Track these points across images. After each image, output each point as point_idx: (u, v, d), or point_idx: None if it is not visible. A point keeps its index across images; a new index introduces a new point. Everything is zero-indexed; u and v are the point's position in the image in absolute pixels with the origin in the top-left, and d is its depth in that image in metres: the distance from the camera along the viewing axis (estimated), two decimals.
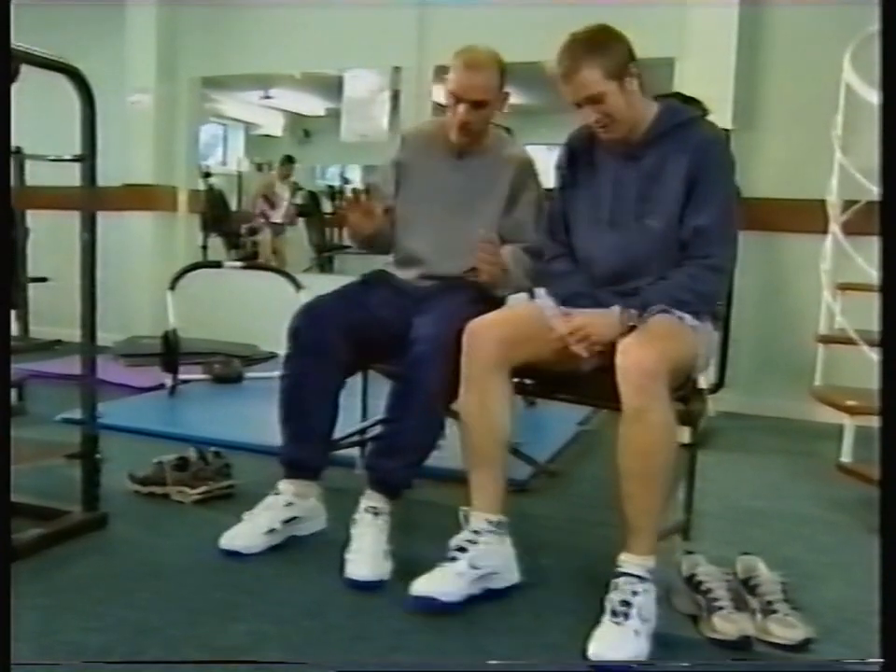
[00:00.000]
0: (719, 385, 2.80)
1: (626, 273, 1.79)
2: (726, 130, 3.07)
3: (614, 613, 1.50)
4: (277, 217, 6.09)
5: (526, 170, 2.14)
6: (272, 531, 1.89)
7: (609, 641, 1.47)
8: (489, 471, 1.72)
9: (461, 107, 2.02)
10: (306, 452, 1.98)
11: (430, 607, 1.59)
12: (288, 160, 6.07)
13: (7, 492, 1.37)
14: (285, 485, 1.96)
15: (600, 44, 1.71)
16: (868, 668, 1.42)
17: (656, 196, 1.76)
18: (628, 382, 1.52)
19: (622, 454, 1.58)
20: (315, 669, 1.43)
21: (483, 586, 1.65)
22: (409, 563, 1.75)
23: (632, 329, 1.64)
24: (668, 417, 1.55)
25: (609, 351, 1.61)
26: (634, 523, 1.57)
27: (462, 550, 1.65)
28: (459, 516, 1.72)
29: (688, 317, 1.68)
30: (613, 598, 1.52)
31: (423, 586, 1.61)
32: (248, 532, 1.88)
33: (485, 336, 1.70)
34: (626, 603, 1.50)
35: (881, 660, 1.00)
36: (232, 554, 1.85)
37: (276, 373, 2.15)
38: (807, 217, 3.36)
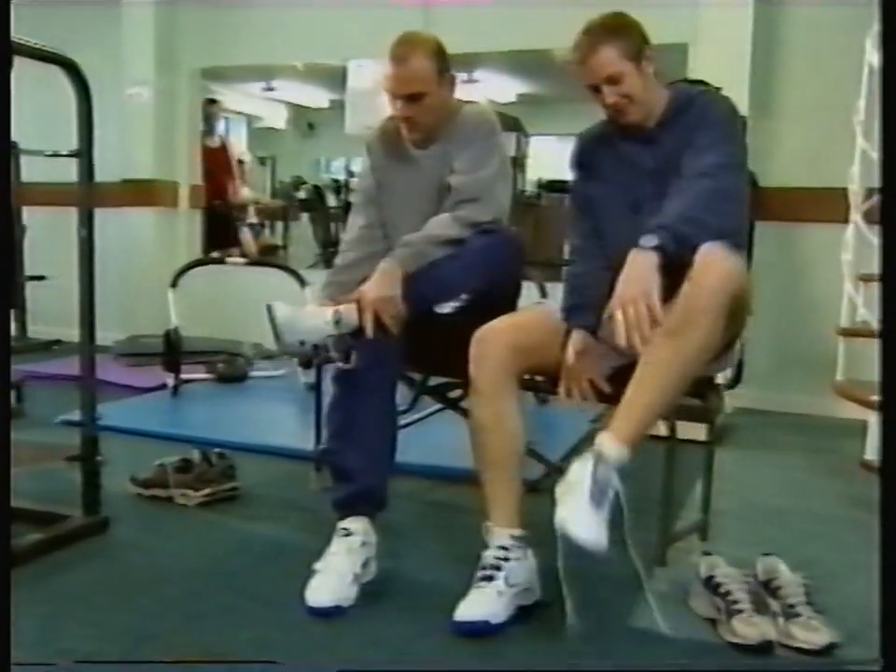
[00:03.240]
0: (736, 381, 2.77)
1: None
2: (742, 117, 3.06)
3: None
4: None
5: (473, 128, 2.05)
6: (356, 577, 1.72)
7: None
8: (506, 482, 1.70)
9: (398, 104, 1.99)
10: (374, 482, 1.83)
11: (483, 630, 1.56)
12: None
13: (8, 494, 1.37)
14: (354, 524, 1.79)
15: (617, 27, 1.75)
16: (868, 668, 1.41)
17: (675, 169, 1.77)
18: (705, 279, 1.51)
19: (655, 346, 1.52)
20: (316, 669, 1.43)
21: (516, 604, 1.64)
22: (420, 567, 1.74)
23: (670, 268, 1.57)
24: (710, 341, 1.53)
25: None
26: (627, 405, 1.55)
27: (497, 568, 1.63)
28: (482, 531, 1.69)
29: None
30: None
31: (471, 610, 1.58)
32: (335, 584, 1.68)
33: (495, 342, 1.70)
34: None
35: (881, 660, 1.00)
36: (327, 613, 1.64)
37: (281, 372, 2.13)
38: (828, 205, 3.33)
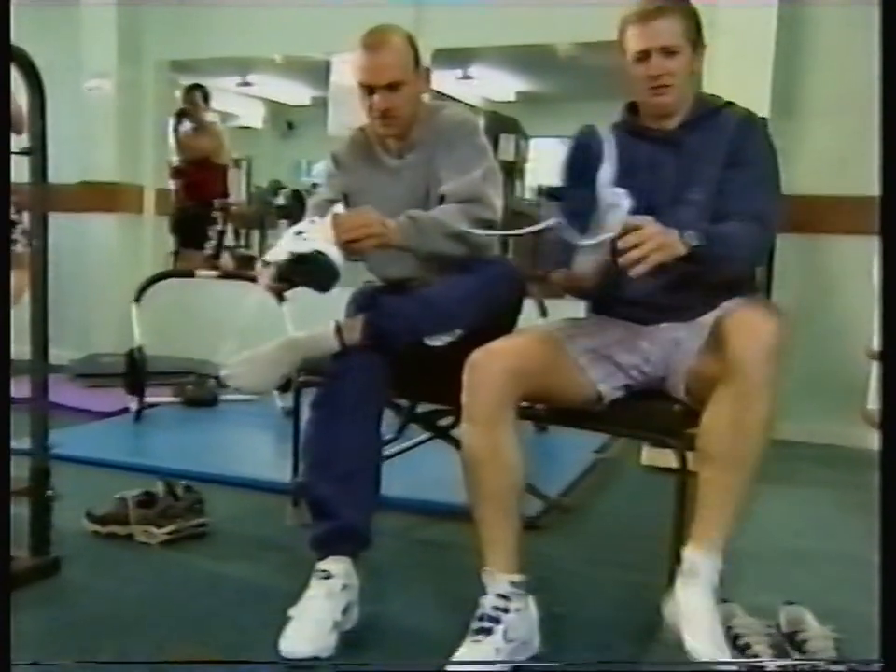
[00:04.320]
0: None
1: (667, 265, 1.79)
2: (763, 118, 3.08)
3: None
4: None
5: (456, 132, 2.09)
6: (336, 625, 1.69)
7: None
8: (505, 521, 1.70)
9: (376, 96, 2.02)
10: (356, 518, 1.82)
11: None
12: None
13: (8, 496, 1.38)
14: (334, 565, 1.77)
15: (686, 5, 1.85)
16: (868, 668, 1.42)
17: (697, 174, 1.85)
18: (757, 350, 1.56)
19: (718, 428, 1.60)
20: (316, 670, 1.43)
21: (512, 660, 1.62)
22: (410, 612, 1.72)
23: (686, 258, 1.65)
24: (774, 404, 1.59)
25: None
26: (707, 509, 1.62)
27: (495, 620, 1.61)
28: (481, 576, 1.68)
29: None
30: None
31: (464, 667, 1.56)
32: (313, 632, 1.67)
33: (492, 367, 1.69)
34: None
35: (881, 660, 0.99)
36: (304, 665, 1.63)
37: (253, 395, 2.13)
38: (856, 215, 3.34)
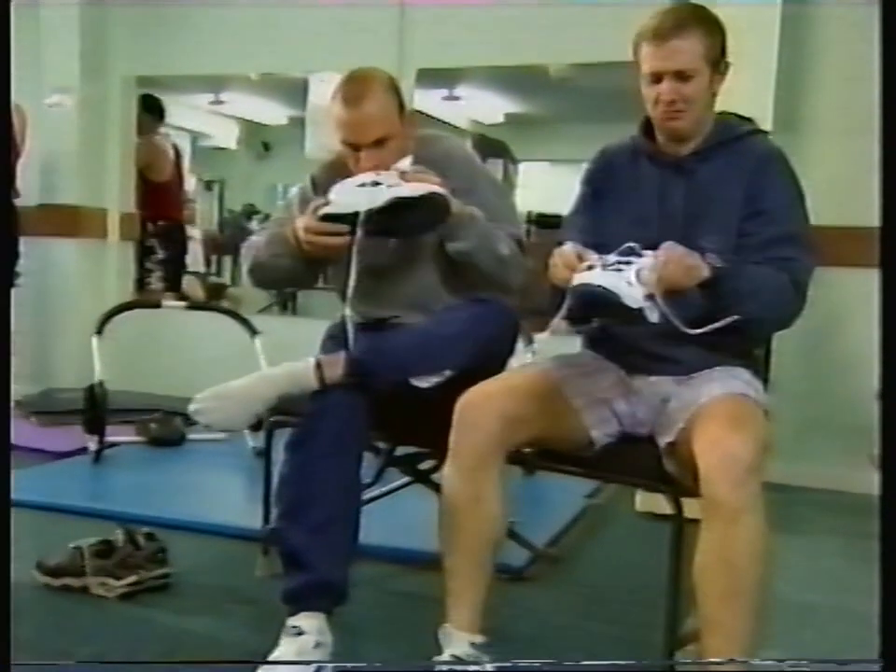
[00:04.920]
0: None
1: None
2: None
3: None
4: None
5: (463, 167, 2.12)
6: None
7: None
8: (475, 576, 1.71)
9: (362, 154, 2.01)
10: (332, 570, 1.81)
11: None
12: None
13: (8, 490, 1.38)
14: (307, 621, 1.76)
15: (708, 20, 1.80)
16: (868, 668, 1.42)
17: (711, 215, 1.82)
18: (726, 477, 1.52)
19: (706, 568, 1.56)
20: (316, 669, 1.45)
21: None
22: None
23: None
24: (765, 522, 1.57)
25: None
26: (717, 653, 1.55)
27: None
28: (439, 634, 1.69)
29: (753, 392, 1.73)
30: None
31: None
32: None
33: (483, 411, 1.70)
34: None
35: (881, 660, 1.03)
36: None
37: (225, 434, 2.12)
38: (863, 246, 3.36)
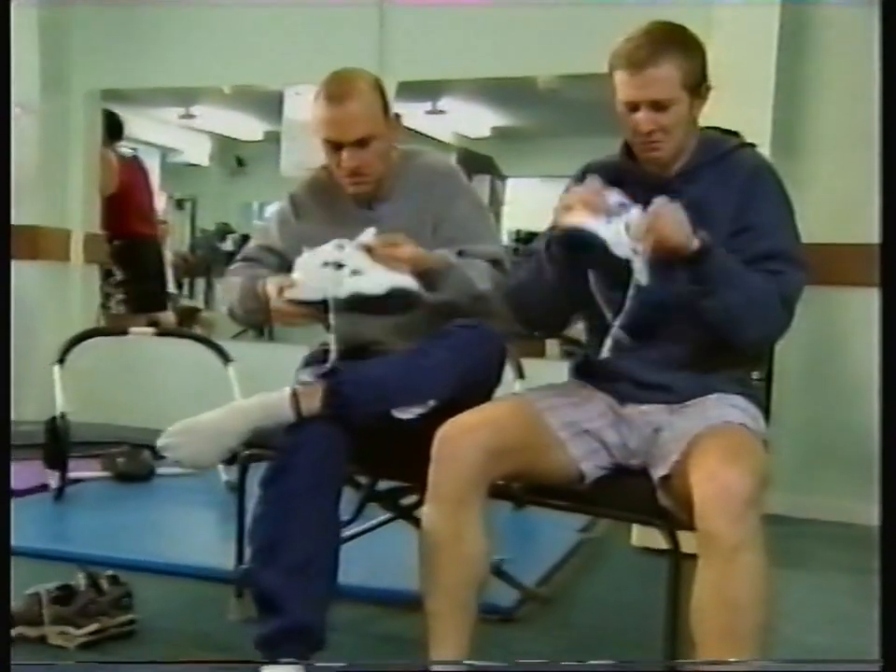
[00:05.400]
0: None
1: (655, 334, 1.83)
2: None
3: None
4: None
5: (446, 184, 2.15)
6: None
7: None
8: (458, 618, 1.71)
9: (344, 153, 2.03)
10: (309, 614, 1.80)
11: None
12: None
13: (8, 499, 1.43)
14: (282, 670, 1.75)
15: (686, 44, 1.80)
16: (868, 668, 1.42)
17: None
18: (723, 512, 1.53)
19: (704, 607, 1.56)
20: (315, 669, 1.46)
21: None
22: None
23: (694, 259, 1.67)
24: (765, 558, 1.57)
25: None
26: None
27: None
28: None
29: (751, 421, 1.75)
30: None
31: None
32: None
33: (465, 443, 1.70)
34: None
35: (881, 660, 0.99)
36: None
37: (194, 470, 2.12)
38: (869, 265, 3.39)
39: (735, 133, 1.97)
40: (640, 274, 1.65)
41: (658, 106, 1.76)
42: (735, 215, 1.80)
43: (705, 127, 1.96)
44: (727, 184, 1.82)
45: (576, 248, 1.68)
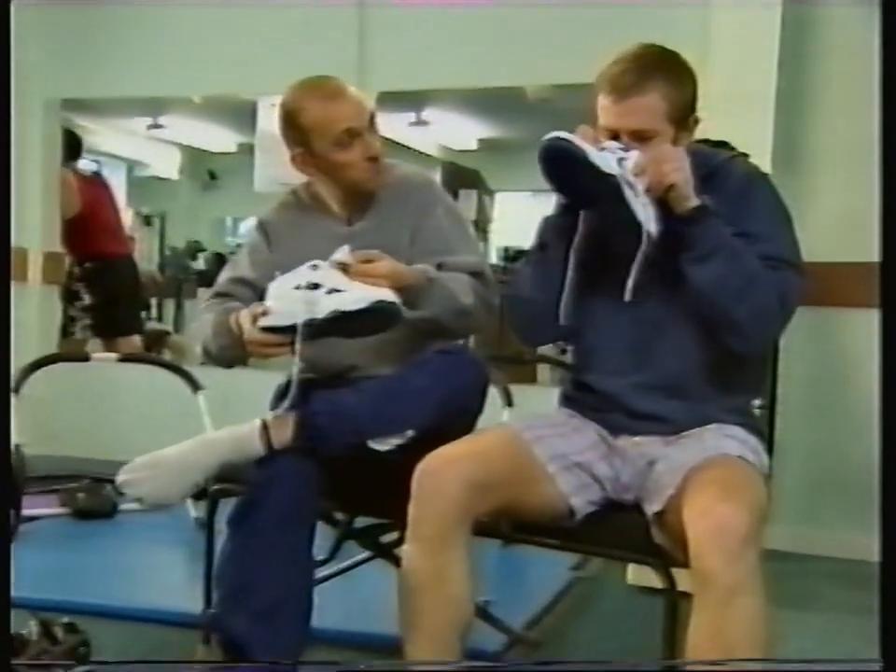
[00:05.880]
0: None
1: (647, 355, 1.84)
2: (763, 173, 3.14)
3: None
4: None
5: (421, 195, 2.21)
6: None
7: None
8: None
9: (357, 147, 2.10)
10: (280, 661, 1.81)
11: None
12: None
13: (8, 495, 1.30)
14: None
15: (677, 72, 1.80)
16: (868, 668, 1.42)
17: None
18: (718, 551, 1.52)
19: (699, 652, 1.55)
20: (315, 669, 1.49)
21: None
22: None
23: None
24: (765, 599, 1.56)
25: None
26: None
27: None
28: None
29: (750, 453, 1.75)
30: None
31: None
32: None
33: (447, 477, 1.71)
34: None
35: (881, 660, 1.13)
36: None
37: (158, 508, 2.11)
38: (874, 285, 3.40)
39: (726, 144, 1.99)
40: (648, 222, 1.68)
41: (639, 137, 1.76)
42: (729, 224, 1.80)
43: (695, 140, 1.97)
44: (720, 195, 1.82)
45: (559, 160, 1.67)
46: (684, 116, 1.80)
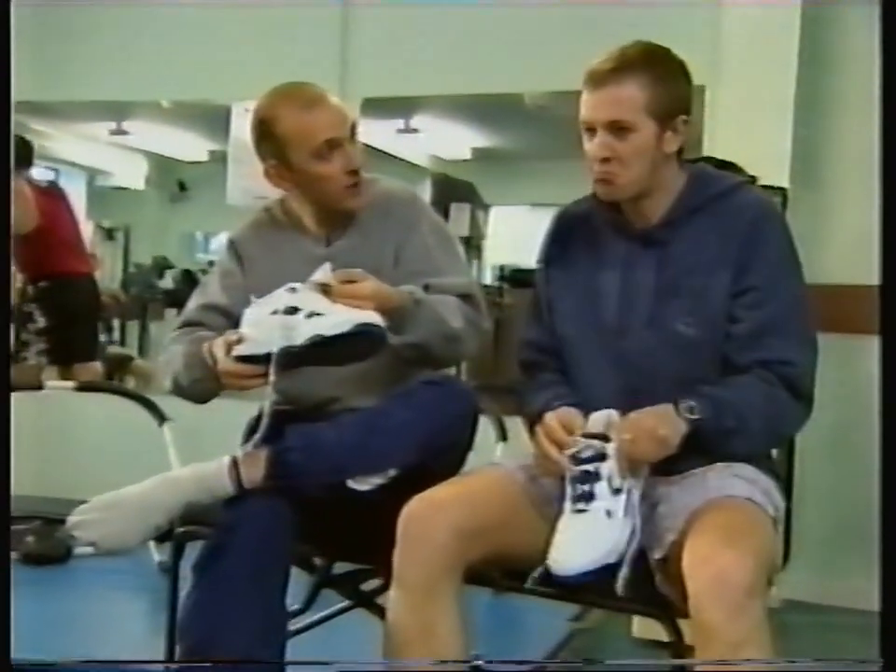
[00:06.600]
0: (783, 561, 2.80)
1: (638, 399, 1.83)
2: (781, 189, 3.15)
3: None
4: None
5: (405, 210, 2.22)
6: None
7: None
8: None
9: (337, 159, 2.10)
10: None
11: None
12: None
13: (8, 493, 1.54)
14: None
15: (663, 66, 1.81)
16: (868, 668, 1.46)
17: (686, 292, 1.83)
18: (719, 603, 1.52)
19: None
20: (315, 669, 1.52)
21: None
22: None
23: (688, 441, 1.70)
24: (771, 656, 1.56)
25: None
26: None
27: None
28: None
29: (760, 494, 1.75)
30: None
31: None
32: None
33: (434, 522, 1.72)
34: None
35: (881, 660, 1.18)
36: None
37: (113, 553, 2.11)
38: None
39: (733, 166, 2.00)
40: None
41: (616, 131, 1.76)
42: (734, 274, 1.81)
43: (696, 159, 1.99)
44: (723, 232, 1.82)
45: None
46: (668, 113, 1.79)
